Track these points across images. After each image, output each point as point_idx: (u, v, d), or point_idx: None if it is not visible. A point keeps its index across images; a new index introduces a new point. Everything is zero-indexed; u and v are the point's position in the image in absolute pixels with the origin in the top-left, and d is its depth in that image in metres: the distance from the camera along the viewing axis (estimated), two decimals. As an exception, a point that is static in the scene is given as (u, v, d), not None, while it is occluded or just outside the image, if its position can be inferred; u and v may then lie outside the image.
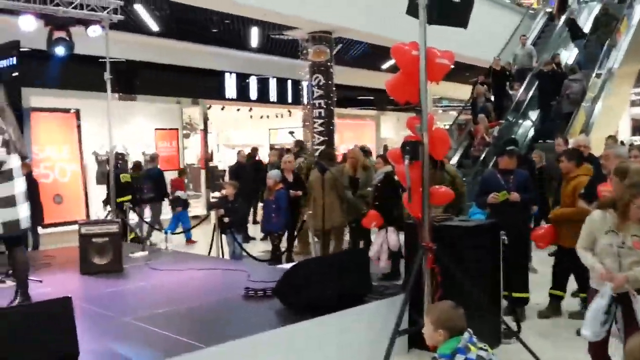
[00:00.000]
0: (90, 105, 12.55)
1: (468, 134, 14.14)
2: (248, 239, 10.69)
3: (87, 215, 12.33)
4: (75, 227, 6.92)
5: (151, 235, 10.81)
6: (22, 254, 5.06)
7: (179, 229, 11.31)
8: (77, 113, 12.88)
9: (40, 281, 5.93)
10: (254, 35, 15.01)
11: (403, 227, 6.06)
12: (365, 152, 10.32)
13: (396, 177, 6.24)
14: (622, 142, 14.02)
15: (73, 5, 8.40)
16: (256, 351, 4.07)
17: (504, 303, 5.57)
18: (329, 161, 8.40)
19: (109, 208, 10.50)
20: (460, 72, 17.26)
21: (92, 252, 6.46)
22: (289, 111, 18.89)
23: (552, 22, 17.43)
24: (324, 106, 13.13)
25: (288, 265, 6.44)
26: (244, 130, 21.07)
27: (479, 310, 4.53)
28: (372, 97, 21.83)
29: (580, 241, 3.86)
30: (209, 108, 16.92)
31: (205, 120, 16.68)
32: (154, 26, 13.17)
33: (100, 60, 9.34)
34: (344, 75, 16.05)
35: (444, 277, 4.60)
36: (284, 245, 8.81)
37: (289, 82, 17.98)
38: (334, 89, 13.38)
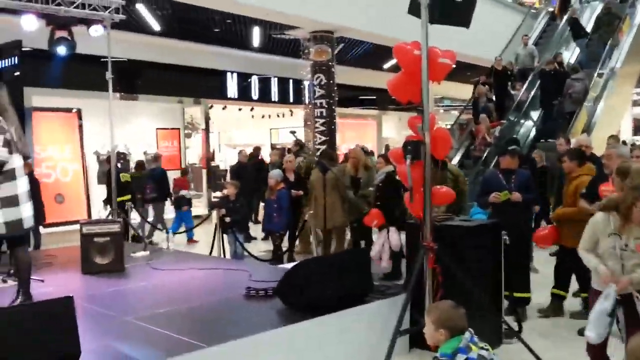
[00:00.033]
0: (92, 105, 12.57)
1: (469, 134, 14.13)
2: (249, 238, 10.70)
3: (89, 215, 12.35)
4: (77, 226, 6.92)
5: (153, 235, 10.82)
6: (24, 253, 5.06)
7: (181, 229, 11.32)
8: (79, 113, 12.89)
9: (42, 281, 5.94)
10: (256, 35, 15.01)
11: (404, 227, 6.07)
12: (366, 153, 10.31)
13: (398, 177, 6.24)
14: (624, 142, 13.99)
15: (75, 5, 8.40)
16: (257, 351, 4.07)
17: (505, 303, 5.56)
18: (330, 161, 8.41)
19: (109, 208, 10.53)
20: (462, 71, 17.24)
21: (94, 252, 6.46)
22: (291, 111, 18.90)
23: (553, 22, 17.41)
24: (326, 106, 13.13)
25: (289, 265, 6.44)
26: (246, 129, 21.09)
27: (480, 310, 4.53)
28: (373, 97, 21.82)
29: (583, 243, 3.85)
30: (210, 108, 16.93)
31: (207, 119, 16.70)
32: (155, 26, 13.17)
33: (102, 59, 9.35)
34: (346, 75, 16.04)
35: (445, 277, 4.60)
36: (285, 245, 8.81)
37: (291, 81, 17.98)
38: (335, 88, 13.38)
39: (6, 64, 10.86)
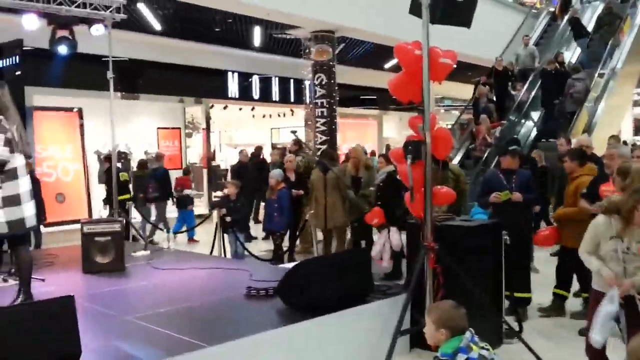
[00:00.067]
0: (93, 104, 12.57)
1: (470, 135, 14.13)
2: (250, 238, 10.70)
3: (90, 215, 12.35)
4: (78, 226, 6.93)
5: (154, 234, 10.83)
6: (26, 253, 5.07)
7: (182, 228, 11.33)
8: (80, 112, 12.90)
9: (43, 280, 5.94)
10: (257, 35, 15.02)
11: (405, 226, 6.07)
12: (365, 153, 10.31)
13: (398, 177, 6.24)
14: (624, 142, 14.00)
15: (76, 4, 8.41)
16: (258, 350, 4.07)
17: (506, 303, 5.56)
18: (330, 160, 8.40)
19: (108, 207, 10.55)
20: (463, 71, 17.25)
21: (95, 251, 6.47)
22: (292, 110, 18.91)
23: (554, 22, 17.42)
24: (327, 105, 13.13)
25: (290, 265, 6.44)
26: (246, 129, 21.10)
27: (480, 310, 4.53)
28: (374, 97, 21.82)
29: (584, 245, 3.84)
30: (211, 107, 16.94)
31: (208, 119, 16.70)
32: (156, 25, 13.18)
33: (103, 59, 9.35)
34: (347, 75, 16.05)
35: (446, 277, 4.60)
36: (286, 244, 8.81)
37: (292, 81, 17.99)
38: (336, 88, 13.38)
39: (7, 63, 10.87)
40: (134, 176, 11.80)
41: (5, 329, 3.27)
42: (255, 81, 17.58)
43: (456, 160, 12.76)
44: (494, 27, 15.40)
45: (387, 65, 18.01)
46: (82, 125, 12.89)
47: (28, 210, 4.85)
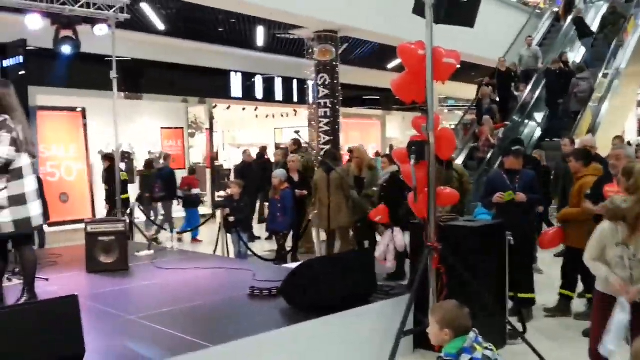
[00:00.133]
0: (96, 104, 12.59)
1: (473, 135, 14.11)
2: (253, 238, 10.71)
3: (93, 214, 12.38)
4: (81, 225, 6.95)
5: (159, 233, 10.85)
6: (30, 252, 5.08)
7: (180, 228, 11.34)
8: (84, 112, 12.93)
9: (47, 279, 5.96)
10: (260, 35, 15.02)
11: (408, 227, 6.06)
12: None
13: (402, 177, 6.23)
14: (628, 143, 13.98)
15: (80, 4, 8.42)
16: (261, 350, 4.07)
17: (510, 304, 5.55)
18: (333, 161, 8.40)
19: (108, 206, 10.58)
20: (467, 71, 17.23)
21: (98, 251, 6.48)
22: (295, 110, 18.90)
23: (558, 23, 17.39)
24: (330, 105, 13.12)
25: (293, 265, 6.44)
26: (250, 129, 21.10)
27: (484, 311, 4.52)
28: (377, 97, 21.81)
29: (590, 251, 3.79)
30: (214, 107, 16.94)
31: (211, 119, 16.71)
32: (160, 25, 13.20)
33: (106, 59, 9.37)
34: (350, 75, 16.04)
35: (450, 278, 4.59)
36: (289, 244, 8.81)
37: (295, 81, 17.99)
38: (339, 88, 13.36)
39: (11, 63, 10.92)
40: (140, 176, 11.83)
41: (9, 328, 3.28)
42: (258, 81, 17.58)
43: (459, 161, 12.74)
44: (497, 27, 15.38)
45: (391, 66, 18.00)
46: (85, 125, 12.93)
47: (34, 209, 4.87)
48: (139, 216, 10.88)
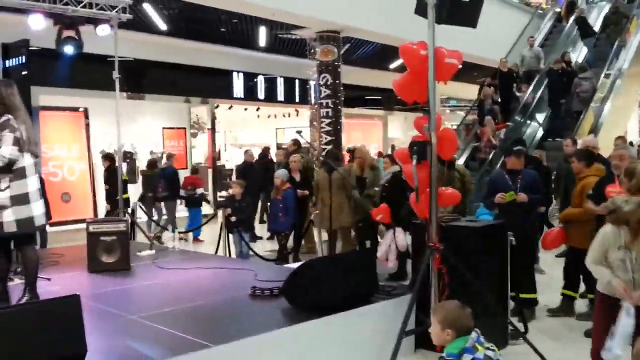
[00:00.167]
0: (98, 104, 12.61)
1: (474, 136, 14.10)
2: (255, 238, 10.71)
3: (95, 214, 12.39)
4: (83, 225, 6.95)
5: (163, 232, 10.86)
6: (32, 252, 5.08)
7: (184, 228, 11.35)
8: (86, 112, 12.94)
9: (49, 279, 5.96)
10: (262, 35, 15.02)
11: (409, 227, 6.06)
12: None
13: (404, 177, 6.23)
14: (630, 143, 13.96)
15: (82, 4, 8.43)
16: (262, 350, 4.07)
17: (512, 304, 5.55)
18: (335, 160, 8.39)
19: (107, 207, 10.59)
20: (468, 71, 17.21)
21: (100, 250, 6.49)
22: (297, 111, 18.90)
23: (560, 24, 17.38)
24: (332, 106, 13.12)
25: (295, 265, 6.44)
26: (252, 129, 21.10)
27: (486, 311, 4.51)
28: (379, 97, 21.81)
29: (592, 254, 3.78)
30: (216, 107, 16.95)
31: (213, 119, 16.72)
32: (162, 25, 13.21)
33: (108, 59, 9.38)
34: (352, 75, 16.04)
35: (451, 278, 4.59)
36: (291, 244, 8.81)
37: (297, 81, 17.99)
38: (341, 88, 13.36)
39: (14, 63, 10.93)
40: (144, 175, 11.86)
41: (11, 328, 3.28)
42: (260, 81, 17.59)
43: (461, 161, 12.74)
44: (499, 27, 15.36)
45: (393, 66, 17.99)
46: (87, 125, 12.94)
47: (37, 209, 4.87)
48: (141, 216, 10.89)
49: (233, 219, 7.99)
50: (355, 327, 4.67)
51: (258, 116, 19.71)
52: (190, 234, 11.42)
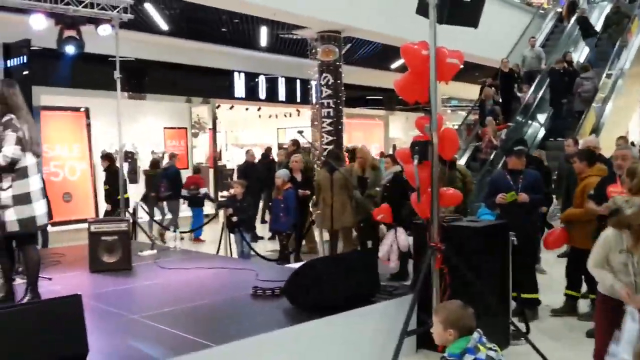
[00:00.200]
0: (100, 104, 12.62)
1: (476, 136, 14.10)
2: (256, 238, 10.71)
3: (96, 214, 12.40)
4: (85, 225, 6.95)
5: (166, 231, 10.87)
6: (34, 252, 5.09)
7: (187, 228, 11.35)
8: (87, 112, 12.95)
9: (50, 279, 5.97)
10: (263, 35, 15.02)
11: (410, 227, 6.05)
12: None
13: (405, 177, 6.22)
14: (632, 143, 13.94)
15: (83, 4, 8.43)
16: (264, 350, 4.07)
17: (513, 304, 5.54)
18: (337, 160, 8.39)
19: (107, 207, 10.60)
20: (470, 71, 17.21)
21: (102, 250, 6.49)
22: (298, 111, 18.90)
23: (561, 24, 17.37)
24: (333, 106, 13.11)
25: (296, 265, 6.44)
26: (253, 129, 21.11)
27: (487, 311, 4.51)
28: (381, 97, 21.80)
29: (594, 258, 3.76)
30: (217, 107, 16.96)
31: (214, 119, 16.72)
32: (163, 25, 13.21)
33: (110, 59, 9.38)
34: (353, 75, 16.03)
35: (453, 278, 4.58)
36: (292, 244, 8.81)
37: (298, 81, 17.99)
38: (342, 88, 13.36)
39: (15, 63, 10.94)
40: (146, 175, 11.87)
41: (12, 327, 3.29)
42: (261, 81, 17.59)
43: (462, 162, 12.73)
44: (500, 27, 15.34)
45: (394, 66, 17.98)
46: (89, 125, 12.95)
47: (39, 208, 4.88)
48: (142, 216, 10.89)
49: (234, 219, 7.99)
50: (357, 327, 4.66)
51: (259, 116, 19.71)
52: (190, 234, 11.41)
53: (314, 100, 13.92)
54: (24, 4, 8.09)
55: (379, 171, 8.46)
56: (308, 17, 12.06)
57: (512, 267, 5.29)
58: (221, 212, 8.61)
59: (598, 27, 15.85)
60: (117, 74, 9.01)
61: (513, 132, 13.44)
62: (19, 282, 5.60)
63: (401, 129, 23.86)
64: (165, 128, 15.76)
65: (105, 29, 8.81)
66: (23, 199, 4.76)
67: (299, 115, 18.93)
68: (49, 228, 9.70)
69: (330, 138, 13.05)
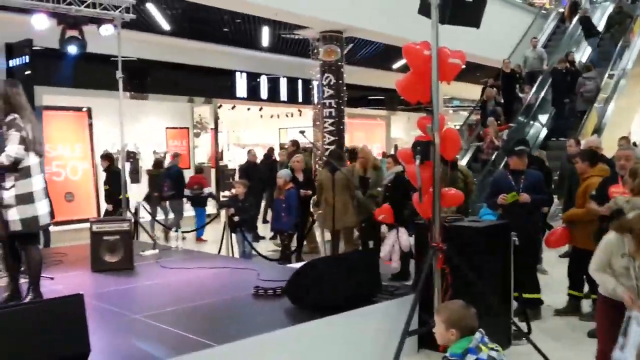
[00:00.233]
0: (102, 104, 12.63)
1: (477, 136, 14.09)
2: (258, 238, 10.72)
3: (98, 213, 12.40)
4: (87, 224, 6.96)
5: (168, 233, 10.87)
6: (36, 252, 5.09)
7: (191, 227, 11.36)
8: (89, 112, 12.97)
9: (52, 278, 5.98)
10: (265, 35, 15.04)
11: (412, 227, 6.05)
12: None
13: (407, 177, 6.22)
14: (634, 144, 13.92)
15: (86, 4, 8.44)
16: (265, 350, 4.07)
17: (515, 304, 5.54)
18: (338, 160, 8.39)
19: (108, 206, 10.61)
20: (472, 72, 17.20)
21: (103, 250, 6.50)
22: (299, 111, 18.93)
23: (563, 24, 17.36)
24: (335, 106, 13.12)
25: (298, 265, 6.44)
26: (254, 129, 21.13)
27: (489, 311, 4.51)
28: (382, 97, 21.80)
29: (596, 262, 3.75)
30: (219, 107, 16.97)
31: (216, 119, 16.74)
32: (165, 25, 13.23)
33: (112, 59, 9.39)
34: (355, 75, 16.04)
35: (454, 278, 4.58)
36: (293, 244, 8.81)
37: (300, 81, 18.00)
38: (344, 88, 13.37)
39: (17, 63, 10.95)
40: (149, 175, 11.88)
41: (14, 327, 3.29)
42: (263, 81, 17.61)
43: (464, 162, 12.73)
44: (502, 27, 15.34)
45: (396, 66, 17.99)
46: (91, 125, 12.96)
47: (42, 208, 4.89)
48: (144, 215, 10.90)
49: (236, 218, 7.99)
50: (358, 327, 4.66)
51: (261, 116, 19.74)
52: (191, 233, 11.41)
53: (315, 100, 13.93)
54: (26, 4, 8.10)
55: (380, 171, 8.46)
56: (310, 17, 12.06)
57: (514, 267, 5.29)
58: (223, 212, 8.61)
59: (600, 27, 15.83)
60: (119, 74, 9.01)
61: (515, 132, 13.42)
62: (21, 282, 5.61)
63: (403, 129, 23.86)
64: (167, 128, 15.79)
65: (107, 29, 8.82)
66: (26, 199, 4.77)
67: (300, 115, 18.94)
68: (51, 227, 9.69)
69: (332, 138, 13.06)
